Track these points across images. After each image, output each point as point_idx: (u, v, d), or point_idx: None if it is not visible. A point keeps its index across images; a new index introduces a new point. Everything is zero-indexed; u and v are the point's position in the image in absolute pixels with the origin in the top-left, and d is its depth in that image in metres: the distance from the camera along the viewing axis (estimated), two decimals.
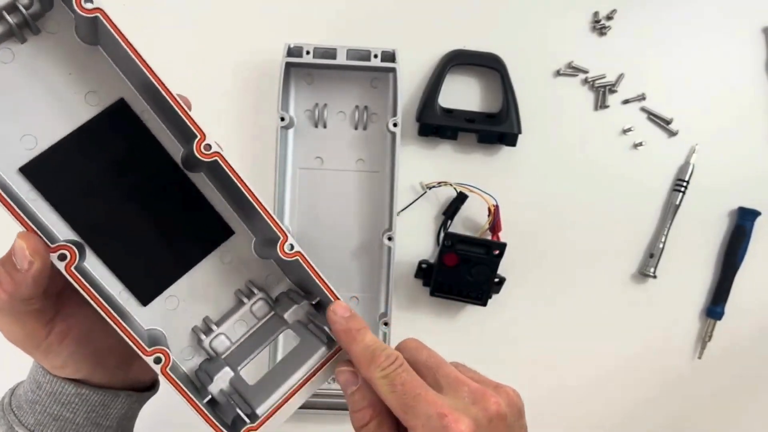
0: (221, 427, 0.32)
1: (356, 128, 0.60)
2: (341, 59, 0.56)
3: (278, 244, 0.33)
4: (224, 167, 0.32)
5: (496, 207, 0.59)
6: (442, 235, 0.59)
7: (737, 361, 0.64)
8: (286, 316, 0.37)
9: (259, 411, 0.33)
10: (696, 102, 0.62)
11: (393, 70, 0.56)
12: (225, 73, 0.61)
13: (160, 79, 0.31)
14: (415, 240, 0.62)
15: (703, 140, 0.62)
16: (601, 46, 0.62)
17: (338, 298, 0.35)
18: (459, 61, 0.60)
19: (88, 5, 0.30)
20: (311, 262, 0.34)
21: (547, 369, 0.63)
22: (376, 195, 0.60)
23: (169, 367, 0.31)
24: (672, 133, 0.62)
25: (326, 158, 0.60)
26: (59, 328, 0.34)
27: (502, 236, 0.60)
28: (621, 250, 0.63)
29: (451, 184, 0.60)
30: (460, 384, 0.31)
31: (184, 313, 0.37)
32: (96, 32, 0.32)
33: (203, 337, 0.37)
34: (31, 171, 0.33)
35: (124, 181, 0.35)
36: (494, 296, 0.61)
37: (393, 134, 0.57)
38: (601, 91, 0.62)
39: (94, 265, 0.35)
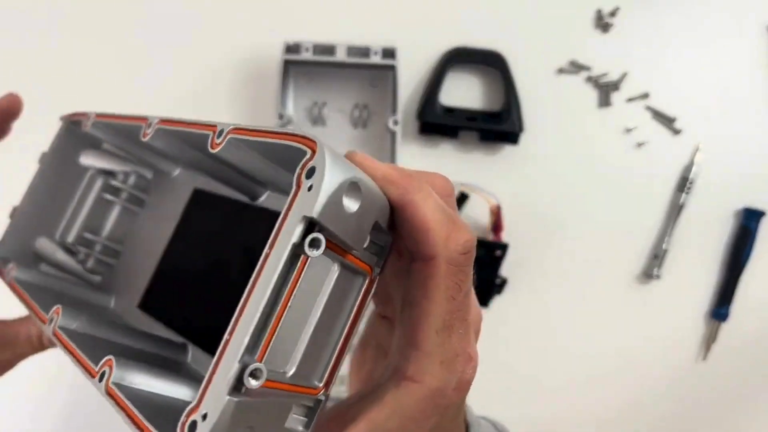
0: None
1: (356, 127, 0.59)
2: (341, 56, 0.55)
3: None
4: (244, 137, 0.22)
5: (498, 207, 0.58)
6: None
7: (742, 363, 0.64)
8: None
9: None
10: (700, 100, 0.62)
11: (393, 67, 0.55)
12: (223, 71, 0.60)
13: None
14: None
15: (707, 139, 0.61)
16: (604, 44, 0.61)
17: None
18: (460, 58, 0.59)
19: None
20: None
21: (550, 370, 0.62)
22: None
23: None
24: (676, 132, 0.61)
25: None
26: None
27: (504, 237, 0.59)
28: (625, 251, 0.62)
29: None
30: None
31: None
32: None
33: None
34: None
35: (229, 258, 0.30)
36: (496, 297, 0.60)
37: (393, 133, 0.56)
38: (605, 89, 0.61)
39: None
